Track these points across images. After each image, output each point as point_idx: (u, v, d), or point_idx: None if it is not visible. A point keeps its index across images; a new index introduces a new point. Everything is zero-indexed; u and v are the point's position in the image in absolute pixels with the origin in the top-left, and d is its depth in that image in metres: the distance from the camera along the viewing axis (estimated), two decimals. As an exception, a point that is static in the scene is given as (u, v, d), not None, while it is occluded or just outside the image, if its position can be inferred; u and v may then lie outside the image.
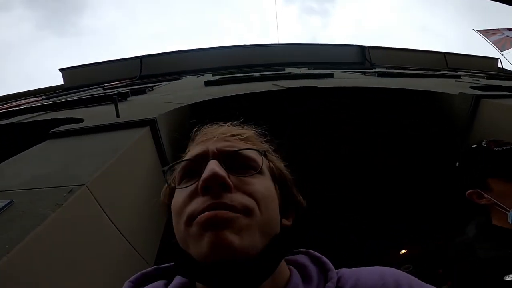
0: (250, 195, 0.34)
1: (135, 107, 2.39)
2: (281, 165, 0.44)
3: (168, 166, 0.41)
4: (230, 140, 0.40)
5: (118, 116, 1.82)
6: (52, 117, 2.28)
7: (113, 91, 3.92)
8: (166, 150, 1.56)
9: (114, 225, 1.02)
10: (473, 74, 5.44)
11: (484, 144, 0.75)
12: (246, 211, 0.33)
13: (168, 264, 0.43)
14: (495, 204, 0.69)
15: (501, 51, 7.74)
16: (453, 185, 0.83)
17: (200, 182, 0.33)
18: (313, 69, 6.02)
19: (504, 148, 0.71)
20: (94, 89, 5.87)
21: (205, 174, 0.33)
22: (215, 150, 0.38)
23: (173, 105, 2.13)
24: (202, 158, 0.37)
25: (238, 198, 0.33)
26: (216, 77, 4.79)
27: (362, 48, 8.32)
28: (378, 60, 7.91)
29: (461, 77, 4.17)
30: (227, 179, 0.33)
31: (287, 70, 5.74)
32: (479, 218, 0.73)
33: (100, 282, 0.89)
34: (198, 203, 0.33)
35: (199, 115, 2.26)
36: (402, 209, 3.81)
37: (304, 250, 0.42)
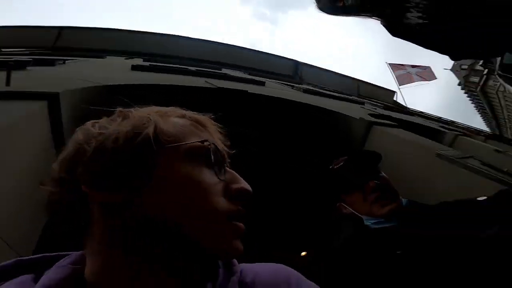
0: None
1: (34, 78, 2.03)
2: None
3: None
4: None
5: (8, 84, 1.51)
6: None
7: (10, 58, 3.23)
8: (65, 132, 1.37)
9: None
10: (374, 102, 6.56)
11: (332, 166, 0.87)
12: None
13: (36, 255, 0.37)
14: (353, 213, 0.81)
15: (399, 86, 9.35)
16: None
17: (242, 190, 0.38)
18: (248, 74, 6.23)
19: (337, 166, 0.83)
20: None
21: (248, 188, 0.38)
22: (227, 153, 0.41)
23: (86, 83, 1.90)
24: (222, 155, 0.39)
25: None
26: (147, 63, 4.47)
27: (296, 63, 8.97)
28: (307, 77, 8.70)
29: (365, 104, 4.97)
30: None
31: (224, 71, 5.78)
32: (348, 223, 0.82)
33: None
34: (232, 205, 0.36)
35: (118, 100, 2.07)
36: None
37: None
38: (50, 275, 0.33)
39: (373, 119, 2.86)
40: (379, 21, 0.99)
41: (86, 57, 4.85)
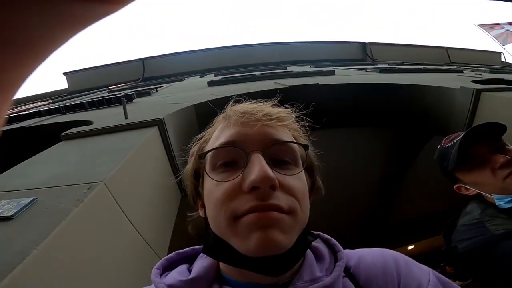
0: (293, 194, 0.34)
1: (142, 109, 2.44)
2: (312, 154, 0.44)
3: (205, 152, 0.39)
4: (273, 126, 0.37)
5: (126, 117, 1.88)
6: (61, 120, 2.34)
7: (118, 94, 4.00)
8: (173, 148, 1.61)
9: (128, 219, 1.08)
10: (476, 68, 5.42)
11: (441, 143, 0.78)
12: (292, 212, 0.34)
13: (187, 248, 0.45)
14: (478, 193, 0.73)
15: (503, 45, 7.65)
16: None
17: (248, 183, 0.32)
18: (315, 67, 6.04)
19: (452, 142, 0.74)
20: (99, 92, 5.96)
21: (255, 175, 0.32)
22: (259, 140, 0.36)
23: (179, 105, 2.18)
24: (243, 146, 0.35)
25: (284, 198, 0.33)
26: (219, 77, 4.84)
27: (363, 45, 8.32)
28: (380, 57, 7.89)
29: (464, 72, 4.17)
30: (276, 181, 0.32)
31: (289, 69, 5.78)
32: (472, 204, 0.74)
33: (113, 272, 0.93)
34: (244, 201, 0.33)
35: (204, 115, 2.31)
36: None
37: (316, 232, 0.43)
38: (199, 263, 0.40)
39: (479, 85, 2.36)
40: None
41: (169, 82, 5.60)
